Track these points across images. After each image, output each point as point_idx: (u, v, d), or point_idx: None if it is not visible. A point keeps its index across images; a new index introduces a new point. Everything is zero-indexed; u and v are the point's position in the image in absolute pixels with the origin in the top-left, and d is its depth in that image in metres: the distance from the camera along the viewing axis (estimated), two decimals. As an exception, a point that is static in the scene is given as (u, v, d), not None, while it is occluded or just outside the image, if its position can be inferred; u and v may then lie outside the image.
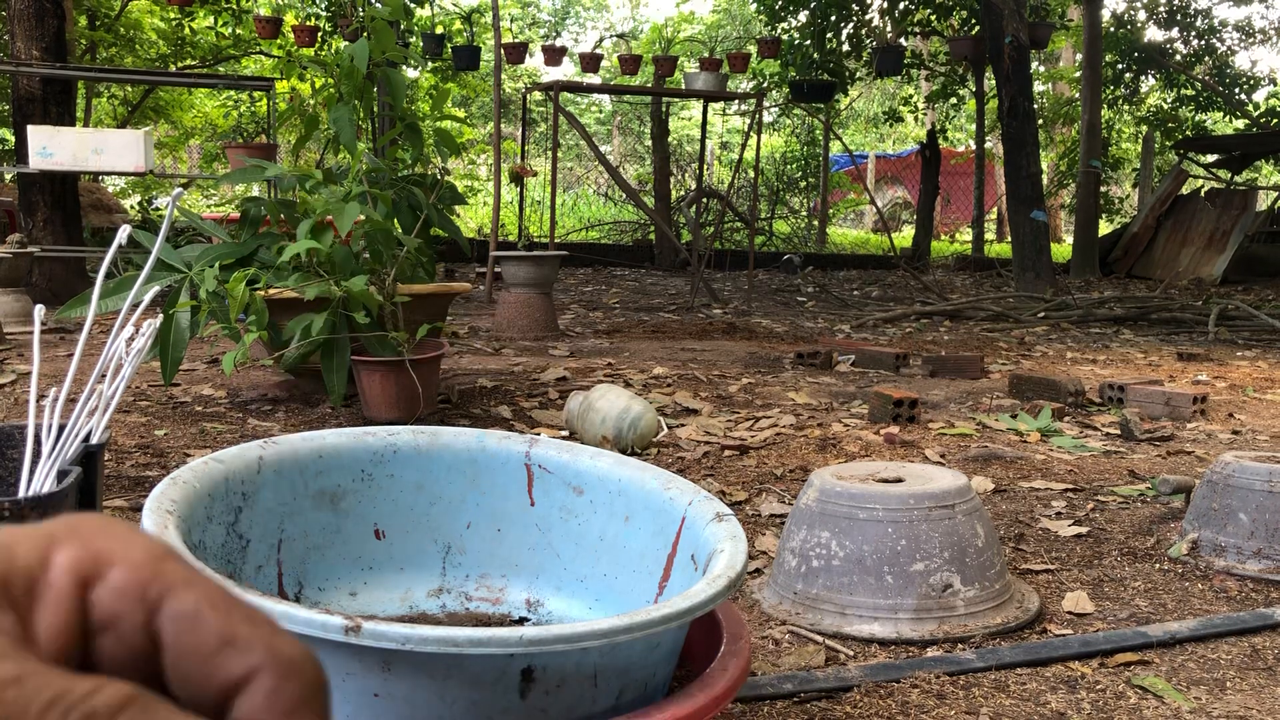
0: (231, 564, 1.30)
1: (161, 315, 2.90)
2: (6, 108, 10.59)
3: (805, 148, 16.24)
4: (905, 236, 15.58)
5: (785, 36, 12.35)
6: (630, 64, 10.30)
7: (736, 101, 13.16)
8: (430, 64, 12.74)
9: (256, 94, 12.30)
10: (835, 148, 15.39)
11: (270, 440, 1.40)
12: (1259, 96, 15.36)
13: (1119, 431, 3.50)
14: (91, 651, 0.30)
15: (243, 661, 0.29)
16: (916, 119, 18.19)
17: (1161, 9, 14.64)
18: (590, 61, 10.50)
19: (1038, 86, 16.96)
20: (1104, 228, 13.79)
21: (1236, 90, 14.70)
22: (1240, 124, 15.55)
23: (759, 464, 3.02)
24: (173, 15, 12.07)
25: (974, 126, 14.35)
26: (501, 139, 8.18)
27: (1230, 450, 2.61)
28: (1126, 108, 16.10)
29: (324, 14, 11.54)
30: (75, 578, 0.30)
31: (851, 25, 12.73)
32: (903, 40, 12.77)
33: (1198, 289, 9.77)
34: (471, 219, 15.65)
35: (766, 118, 16.06)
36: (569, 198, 19.01)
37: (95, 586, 0.30)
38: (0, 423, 1.86)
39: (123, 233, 1.67)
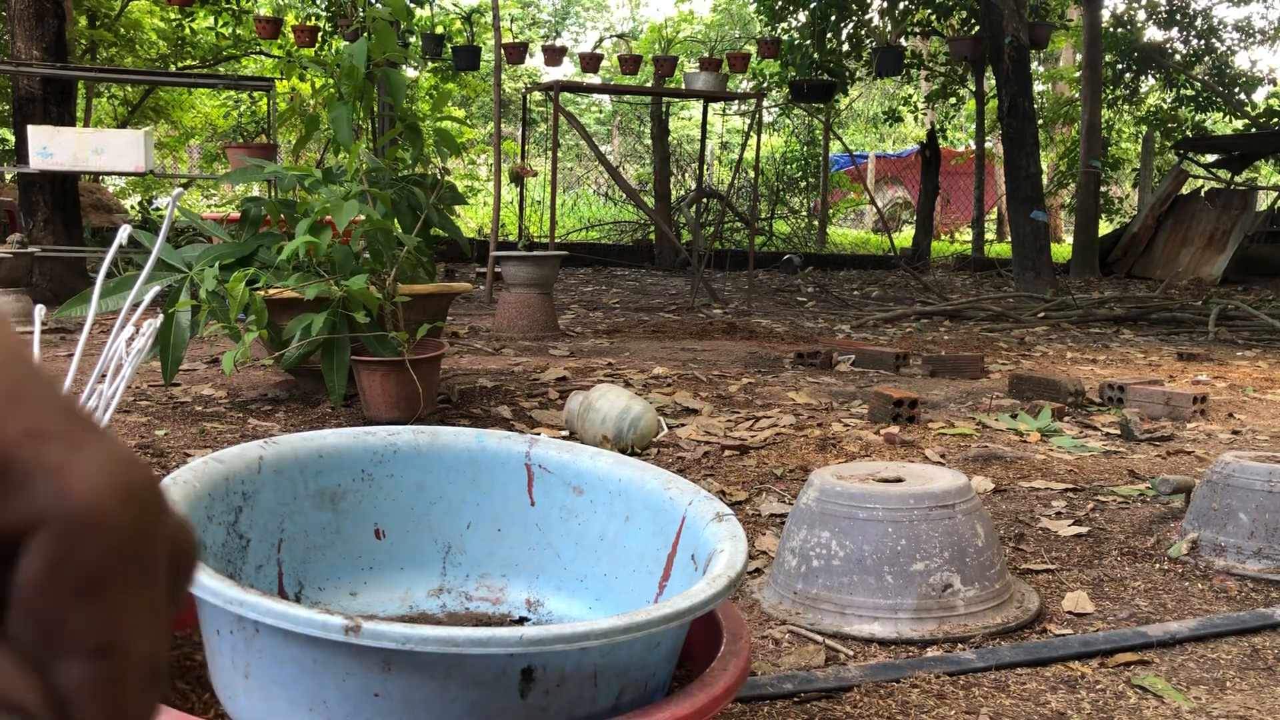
0: (232, 564, 1.30)
1: (161, 315, 2.90)
2: (6, 108, 10.59)
3: (805, 148, 16.24)
4: (905, 236, 15.59)
5: (785, 36, 12.35)
6: (630, 64, 10.31)
7: (736, 101, 13.15)
8: (430, 64, 12.75)
9: (256, 94, 12.31)
10: (835, 148, 15.39)
11: (270, 440, 1.40)
12: (1259, 96, 15.36)
13: (1119, 431, 3.50)
14: None
15: (23, 505, 0.21)
16: (916, 119, 18.19)
17: (1161, 9, 14.64)
18: (590, 61, 10.50)
19: (1038, 86, 16.96)
20: (1104, 228, 13.79)
21: (1236, 90, 14.70)
22: (1240, 124, 15.54)
23: (759, 464, 3.01)
24: (173, 15, 12.07)
25: (974, 126, 14.35)
26: (501, 139, 8.18)
27: (1230, 450, 2.61)
28: (1126, 108, 16.10)
29: (324, 14, 11.54)
30: None
31: (851, 25, 12.73)
32: (903, 40, 12.76)
33: (1198, 289, 9.77)
34: (471, 219, 15.65)
35: (766, 118, 16.06)
36: (569, 198, 19.01)
37: None
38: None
39: (123, 233, 1.67)
